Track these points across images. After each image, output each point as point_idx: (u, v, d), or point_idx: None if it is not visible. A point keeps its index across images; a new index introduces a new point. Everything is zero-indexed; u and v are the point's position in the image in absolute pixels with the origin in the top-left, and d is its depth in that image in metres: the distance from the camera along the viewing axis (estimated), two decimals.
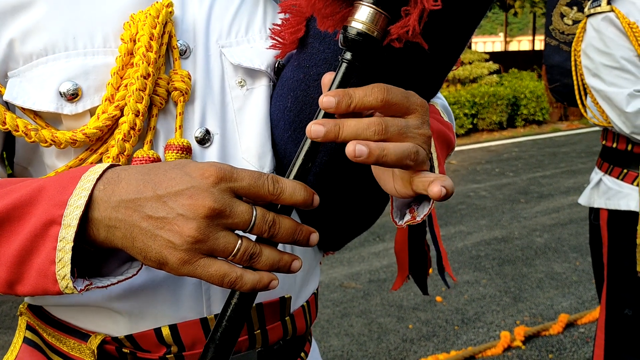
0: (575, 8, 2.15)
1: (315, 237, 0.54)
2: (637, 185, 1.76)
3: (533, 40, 18.49)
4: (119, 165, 0.55)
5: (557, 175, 6.35)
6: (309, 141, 0.53)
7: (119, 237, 0.51)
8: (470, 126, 9.30)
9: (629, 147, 1.77)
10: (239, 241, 0.51)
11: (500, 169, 6.81)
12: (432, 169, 0.59)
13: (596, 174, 1.91)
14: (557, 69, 2.15)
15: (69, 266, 0.51)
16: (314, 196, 0.53)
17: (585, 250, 4.06)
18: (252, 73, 0.70)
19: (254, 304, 0.66)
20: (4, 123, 0.61)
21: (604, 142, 1.87)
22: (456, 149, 8.26)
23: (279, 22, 0.70)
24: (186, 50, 0.68)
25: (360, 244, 4.35)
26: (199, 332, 0.65)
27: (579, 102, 1.88)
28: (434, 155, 0.59)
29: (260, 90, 0.70)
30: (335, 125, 0.51)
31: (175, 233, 0.49)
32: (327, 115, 0.52)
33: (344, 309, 3.26)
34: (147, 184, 0.51)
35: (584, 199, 1.95)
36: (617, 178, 1.81)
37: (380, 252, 4.17)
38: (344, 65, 0.52)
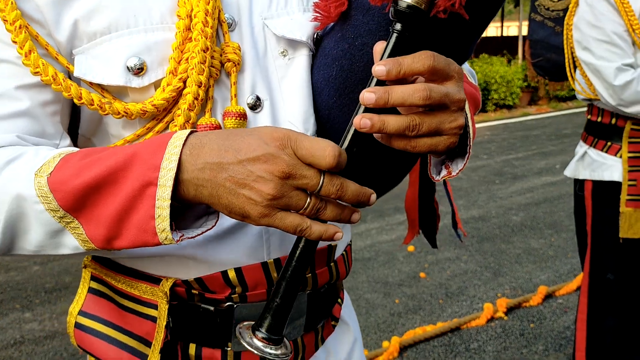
0: None
1: (374, 197, 0.62)
2: (620, 156, 1.87)
3: (502, 27, 18.77)
4: (198, 131, 0.62)
5: (529, 157, 6.55)
6: (355, 118, 0.60)
7: (206, 195, 0.58)
8: None
9: (613, 121, 1.88)
10: (308, 198, 0.58)
11: (474, 152, 6.97)
12: (466, 127, 0.68)
13: (581, 147, 2.01)
14: (540, 44, 2.24)
15: (168, 220, 0.57)
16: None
17: (559, 227, 4.24)
18: (293, 44, 0.77)
19: None
20: (80, 98, 0.67)
21: (589, 117, 1.97)
22: None
23: None
24: (232, 23, 0.74)
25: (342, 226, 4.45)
26: (261, 274, 0.73)
27: (568, 75, 1.97)
28: (469, 115, 0.67)
29: (301, 59, 0.77)
30: (385, 92, 0.58)
31: (255, 192, 0.57)
32: (379, 82, 0.60)
33: None
34: (228, 149, 0.58)
35: (569, 171, 2.05)
36: (602, 150, 1.92)
37: (362, 232, 4.28)
38: (395, 35, 0.60)
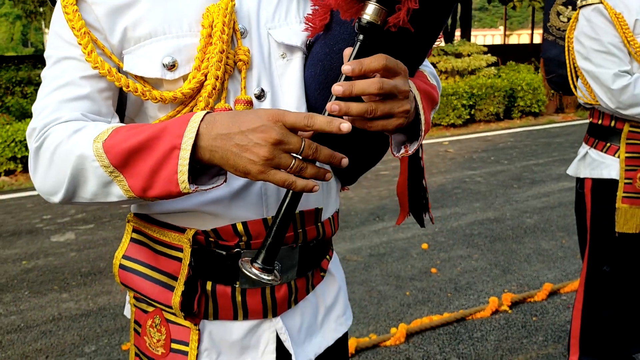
0: (570, 7, 2.43)
1: (345, 161, 0.81)
2: (618, 156, 2.02)
3: (532, 34, 18.72)
4: (211, 112, 0.83)
5: (550, 164, 6.64)
6: (328, 104, 0.80)
7: (217, 158, 0.79)
8: (468, 117, 9.57)
9: (612, 124, 2.04)
10: (293, 160, 0.78)
11: (495, 157, 7.09)
12: (418, 116, 0.87)
13: (583, 148, 2.17)
14: (553, 62, 2.43)
15: (187, 174, 0.78)
16: (339, 125, 0.80)
17: (571, 230, 4.35)
18: (290, 48, 0.98)
19: (297, 212, 0.94)
20: (128, 87, 0.89)
21: (590, 120, 2.13)
22: (453, 138, 8.57)
23: (310, 11, 0.98)
24: (244, 32, 0.96)
25: (361, 223, 4.64)
26: (261, 227, 0.94)
27: (570, 83, 2.14)
28: (420, 106, 0.86)
29: (296, 61, 0.98)
30: (350, 85, 0.78)
31: (254, 154, 0.77)
32: (347, 78, 0.80)
33: (347, 279, 3.55)
34: (234, 123, 0.78)
35: (571, 170, 2.22)
36: (601, 151, 2.08)
37: (379, 230, 4.47)
38: (358, 44, 0.80)
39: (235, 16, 0.94)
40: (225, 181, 0.85)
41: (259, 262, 0.83)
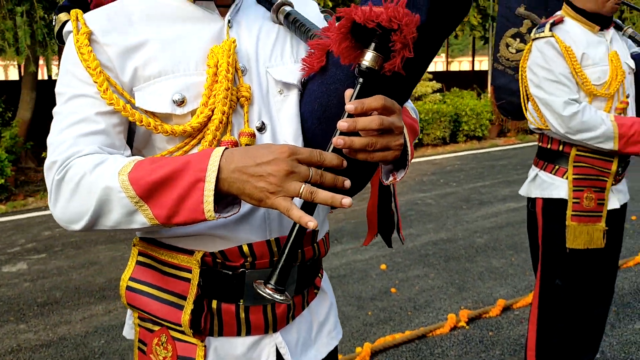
0: (518, 39, 2.64)
1: (347, 183, 0.90)
2: (566, 178, 2.19)
3: (473, 62, 19.50)
4: (229, 147, 0.91)
5: (495, 185, 6.95)
6: (333, 139, 0.89)
7: (234, 188, 0.87)
8: (416, 141, 9.82)
9: (560, 148, 2.20)
10: (303, 187, 0.87)
11: (444, 180, 7.36)
12: (405, 146, 0.98)
13: (533, 170, 2.34)
14: (503, 89, 2.62)
15: (212, 204, 0.85)
16: (343, 162, 0.90)
17: (520, 248, 4.58)
18: (287, 85, 1.07)
19: None
20: (141, 121, 0.97)
21: (540, 144, 2.30)
22: None
23: (303, 52, 1.08)
24: (244, 70, 1.05)
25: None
26: (265, 248, 1.02)
27: (523, 108, 2.29)
28: (407, 138, 0.98)
29: (293, 97, 1.08)
30: (354, 122, 0.88)
31: (268, 183, 0.85)
32: (350, 115, 0.90)
33: None
34: (249, 157, 0.87)
35: (523, 191, 2.37)
36: (551, 172, 2.24)
37: (338, 252, 4.57)
38: (358, 86, 0.90)
39: (236, 56, 1.04)
40: (239, 209, 0.93)
41: (272, 283, 0.90)
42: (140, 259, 1.08)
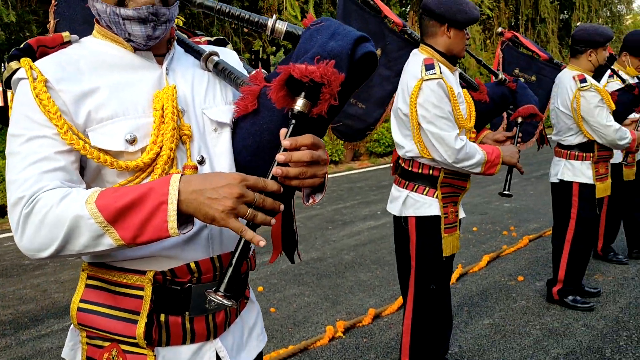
0: None
1: (282, 207, 1.10)
2: (436, 197, 2.54)
3: None
4: (185, 174, 1.07)
5: (355, 206, 7.47)
6: (272, 171, 1.10)
7: (192, 208, 1.03)
8: None
9: (430, 172, 2.55)
10: (249, 210, 1.06)
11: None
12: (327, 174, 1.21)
13: (400, 192, 2.63)
14: (341, 113, 2.93)
15: (175, 222, 1.01)
16: (280, 188, 1.10)
17: (383, 262, 5.03)
18: (221, 124, 1.26)
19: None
20: (99, 158, 1.10)
21: (410, 169, 2.59)
22: None
23: (231, 95, 1.28)
24: (183, 111, 1.22)
25: None
26: (209, 265, 1.18)
27: (414, 137, 2.50)
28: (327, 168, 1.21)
29: (226, 134, 1.26)
30: (289, 155, 1.09)
31: (222, 205, 1.02)
32: (285, 150, 1.11)
33: None
34: (206, 182, 1.04)
35: (396, 211, 2.66)
36: (422, 193, 2.57)
37: None
38: (292, 126, 1.11)
39: (177, 99, 1.20)
40: (193, 227, 1.09)
41: (222, 290, 1.08)
42: (90, 282, 1.18)
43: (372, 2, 2.98)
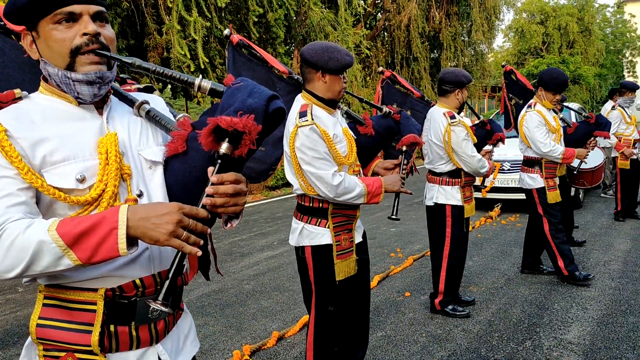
0: None
1: (209, 230, 1.37)
2: (328, 227, 2.78)
3: None
4: (132, 205, 1.31)
5: (252, 238, 7.70)
6: (202, 201, 1.36)
7: (139, 232, 1.26)
8: None
9: (320, 205, 2.80)
10: (185, 232, 1.31)
11: None
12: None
13: (297, 224, 2.87)
14: None
15: (125, 243, 1.24)
16: (208, 215, 1.36)
17: (282, 289, 5.30)
18: (155, 162, 1.49)
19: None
20: (54, 194, 1.30)
21: (302, 203, 2.84)
22: None
23: (161, 137, 1.53)
24: (123, 153, 1.45)
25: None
26: (152, 280, 1.41)
27: (296, 175, 2.73)
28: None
29: (159, 171, 1.50)
30: (216, 188, 1.35)
31: (164, 229, 1.26)
32: (212, 184, 1.37)
33: None
34: (151, 210, 1.28)
35: (293, 241, 2.89)
36: (315, 225, 2.81)
37: None
38: (218, 165, 1.38)
39: (118, 143, 1.44)
40: (137, 247, 1.32)
41: (160, 298, 1.31)
42: (46, 301, 1.37)
43: (257, 54, 3.28)
